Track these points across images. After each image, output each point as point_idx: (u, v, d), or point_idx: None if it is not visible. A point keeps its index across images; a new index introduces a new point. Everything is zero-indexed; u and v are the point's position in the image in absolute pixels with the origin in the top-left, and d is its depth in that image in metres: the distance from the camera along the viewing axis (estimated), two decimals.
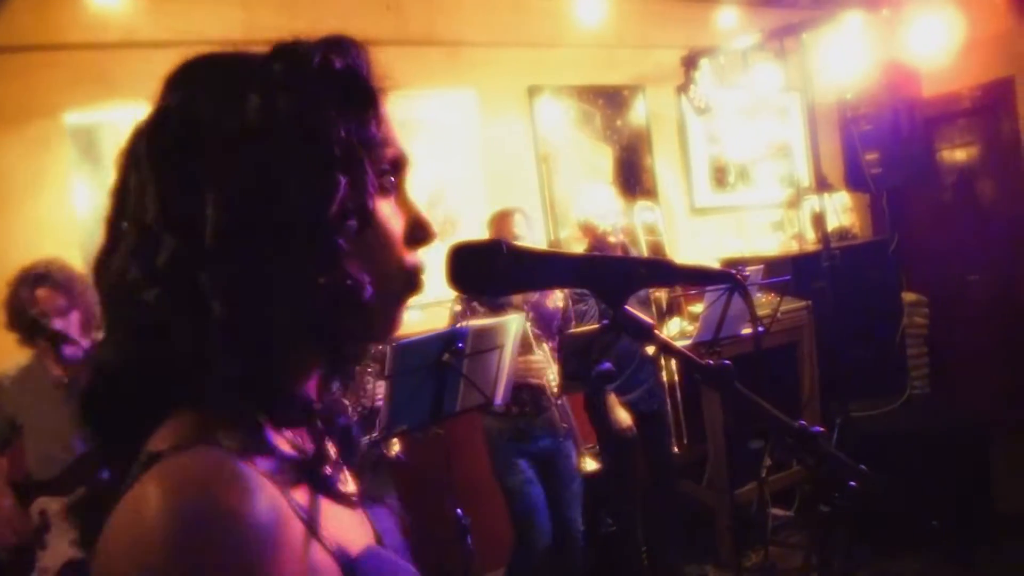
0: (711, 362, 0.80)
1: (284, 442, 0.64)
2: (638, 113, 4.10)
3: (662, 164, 4.20)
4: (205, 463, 0.53)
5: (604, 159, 4.01)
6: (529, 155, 3.89)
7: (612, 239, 3.33)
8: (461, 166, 3.75)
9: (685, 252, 3.96)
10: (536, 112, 3.88)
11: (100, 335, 0.77)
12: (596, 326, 3.06)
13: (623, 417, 3.28)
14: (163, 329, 0.58)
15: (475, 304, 3.06)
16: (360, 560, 0.63)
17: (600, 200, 3.39)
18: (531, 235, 3.12)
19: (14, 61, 3.10)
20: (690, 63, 3.73)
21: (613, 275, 0.78)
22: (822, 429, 0.80)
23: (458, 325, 2.73)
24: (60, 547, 2.29)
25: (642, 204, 3.87)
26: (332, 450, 0.70)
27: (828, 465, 0.80)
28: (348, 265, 0.61)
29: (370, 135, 0.64)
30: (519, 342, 2.81)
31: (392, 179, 0.68)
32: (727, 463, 3.42)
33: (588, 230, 3.40)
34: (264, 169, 0.59)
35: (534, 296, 3.09)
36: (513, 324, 2.74)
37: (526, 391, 2.99)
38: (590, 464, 2.97)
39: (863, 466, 0.80)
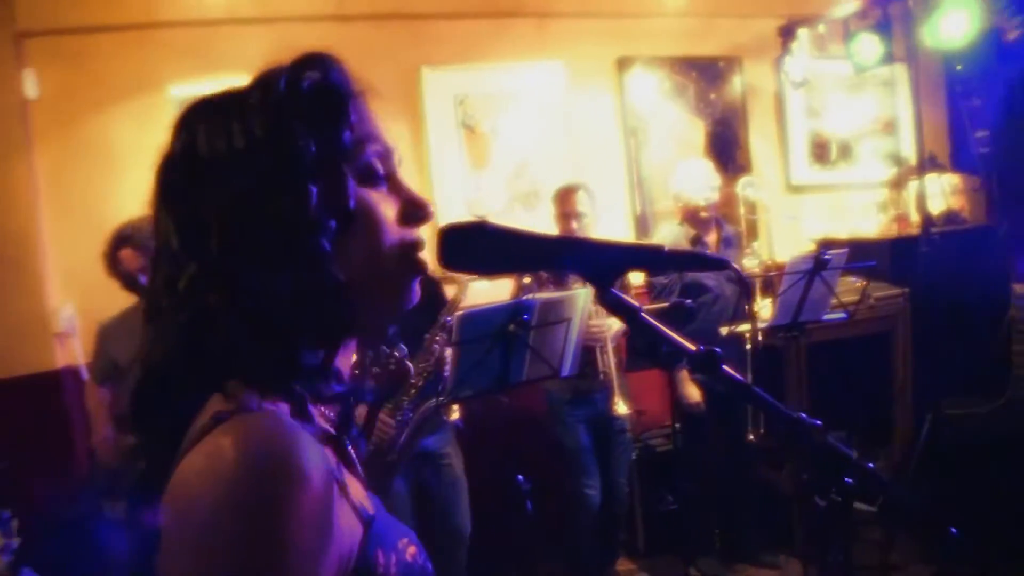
0: (702, 348, 0.86)
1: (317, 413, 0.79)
2: (733, 86, 4.34)
3: (758, 139, 4.42)
4: (270, 421, 0.68)
5: (696, 133, 4.26)
6: (616, 128, 4.19)
7: (704, 214, 3.61)
8: (546, 139, 4.11)
9: (779, 231, 4.15)
10: (625, 84, 4.17)
11: None
12: (666, 303, 3.35)
13: (692, 393, 3.58)
14: (196, 341, 0.73)
15: (544, 275, 3.42)
16: (377, 517, 0.78)
17: (695, 175, 3.68)
18: (594, 212, 3.43)
19: (125, 39, 3.68)
20: (787, 33, 3.91)
21: (599, 259, 0.86)
22: (820, 422, 0.84)
23: (525, 297, 3.10)
24: None
25: (746, 180, 4.07)
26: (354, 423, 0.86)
27: (825, 459, 0.85)
28: (332, 264, 0.75)
29: (343, 140, 0.78)
30: (587, 315, 3.14)
31: (380, 170, 0.82)
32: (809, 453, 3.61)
33: (681, 204, 3.69)
34: (247, 189, 0.74)
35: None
36: (581, 297, 3.07)
37: (585, 354, 3.33)
38: (621, 407, 3.30)
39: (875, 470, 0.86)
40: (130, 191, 3.68)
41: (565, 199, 3.45)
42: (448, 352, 3.02)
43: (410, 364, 2.85)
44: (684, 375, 3.61)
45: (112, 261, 2.98)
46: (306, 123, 0.76)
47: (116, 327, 3.03)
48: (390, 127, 3.11)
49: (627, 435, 3.59)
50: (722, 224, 3.72)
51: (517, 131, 4.10)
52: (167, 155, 0.79)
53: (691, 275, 3.61)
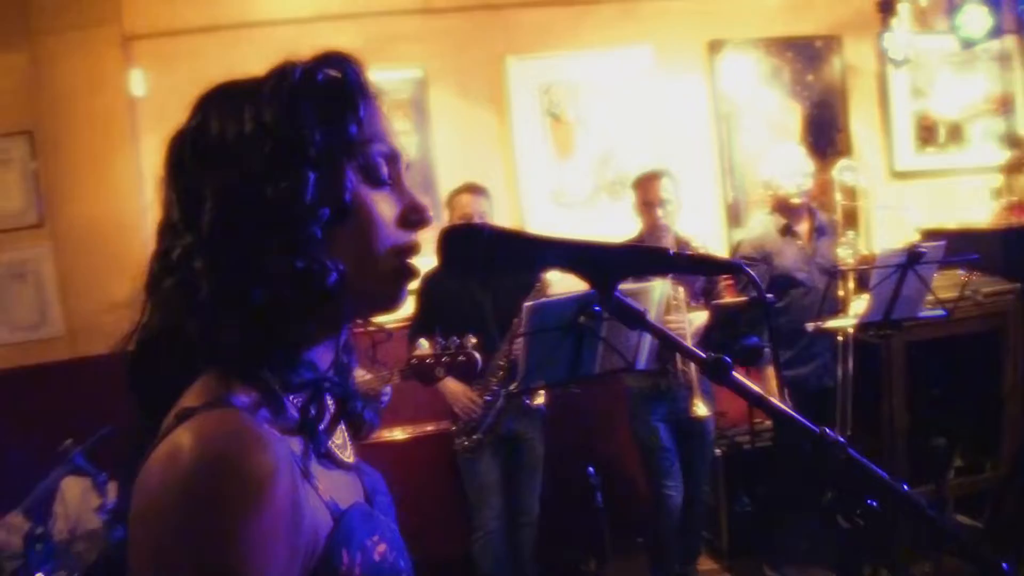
0: (710, 354, 0.86)
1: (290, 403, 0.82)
2: (832, 66, 4.19)
3: (859, 122, 4.25)
4: (228, 420, 0.71)
5: (791, 117, 4.15)
6: (707, 114, 4.13)
7: (795, 201, 3.52)
8: (633, 126, 4.10)
9: (881, 220, 3.99)
10: (716, 68, 4.11)
11: None
12: (744, 298, 3.29)
13: (777, 392, 3.49)
14: (185, 309, 0.78)
15: None
16: (349, 512, 0.79)
17: (787, 160, 3.60)
18: (678, 199, 3.38)
19: (222, 39, 3.92)
20: (886, 8, 3.74)
21: (601, 262, 0.87)
22: (844, 439, 0.83)
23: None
24: None
25: (844, 164, 3.93)
26: (330, 415, 0.87)
27: (850, 478, 0.97)
28: (322, 251, 0.79)
29: (349, 134, 0.81)
30: (663, 307, 3.13)
31: (384, 171, 0.85)
32: (906, 459, 3.48)
33: (772, 191, 3.62)
34: (248, 171, 0.78)
35: None
36: (657, 289, 3.07)
37: (664, 351, 3.33)
38: (701, 409, 3.26)
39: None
40: None
41: (648, 186, 3.42)
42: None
43: (477, 354, 2.93)
44: (770, 372, 3.55)
45: None
46: (314, 113, 0.81)
47: None
48: (476, 117, 3.26)
49: (709, 438, 3.53)
50: (815, 213, 3.61)
51: (603, 119, 4.11)
52: (179, 132, 0.84)
53: (781, 267, 3.54)
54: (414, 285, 3.04)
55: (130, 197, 3.87)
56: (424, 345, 3.01)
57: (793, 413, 0.86)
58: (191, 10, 3.87)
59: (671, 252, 0.88)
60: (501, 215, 3.94)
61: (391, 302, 0.89)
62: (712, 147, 4.15)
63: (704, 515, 3.63)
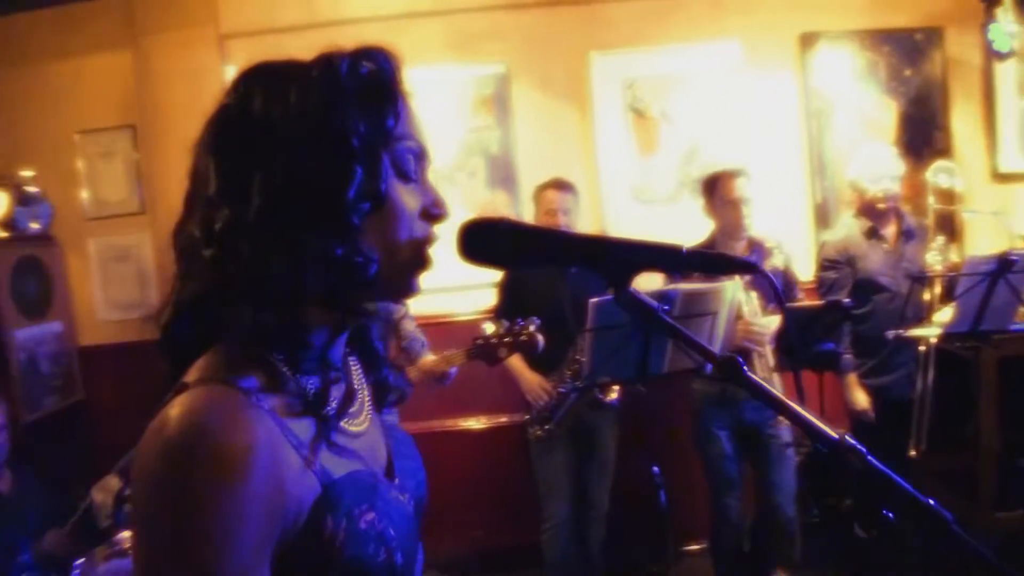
0: (724, 354, 0.89)
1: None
2: (932, 60, 4.02)
3: (959, 120, 4.08)
4: (211, 399, 0.77)
5: (887, 115, 4.03)
6: (797, 111, 4.05)
7: (881, 206, 3.43)
8: (719, 123, 4.06)
9: (980, 225, 3.82)
10: (808, 63, 4.03)
11: None
12: (820, 302, 3.23)
13: (859, 399, 3.43)
14: (216, 280, 0.83)
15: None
16: (340, 481, 0.83)
17: (873, 161, 3.51)
18: (754, 198, 3.33)
19: (315, 37, 4.04)
20: None
21: (614, 257, 0.89)
22: (863, 448, 0.83)
23: (668, 287, 3.14)
24: None
25: (939, 166, 3.80)
26: (344, 393, 0.93)
27: (867, 488, 0.90)
28: (360, 241, 0.84)
29: (388, 129, 0.86)
30: (735, 308, 3.11)
31: (412, 166, 0.90)
32: (994, 482, 3.33)
33: (857, 193, 3.53)
34: (297, 156, 0.82)
35: (751, 257, 3.36)
36: (729, 290, 3.06)
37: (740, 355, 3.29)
38: (784, 420, 3.19)
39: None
40: None
41: (723, 184, 3.35)
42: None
43: (539, 335, 3.00)
44: (852, 379, 3.47)
45: None
46: (359, 106, 0.85)
47: None
48: (558, 112, 3.34)
49: (790, 451, 3.41)
50: (903, 216, 3.50)
51: (688, 115, 4.09)
52: (221, 107, 0.87)
53: (865, 271, 3.45)
54: (496, 276, 3.16)
55: None
56: (489, 328, 3.11)
57: (810, 417, 0.86)
58: (283, 9, 4.07)
59: (684, 250, 0.89)
60: (580, 211, 3.99)
61: (407, 291, 0.94)
62: (802, 145, 4.07)
63: (788, 532, 3.40)
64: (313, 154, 0.83)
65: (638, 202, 4.16)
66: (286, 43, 3.72)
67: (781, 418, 3.13)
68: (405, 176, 0.89)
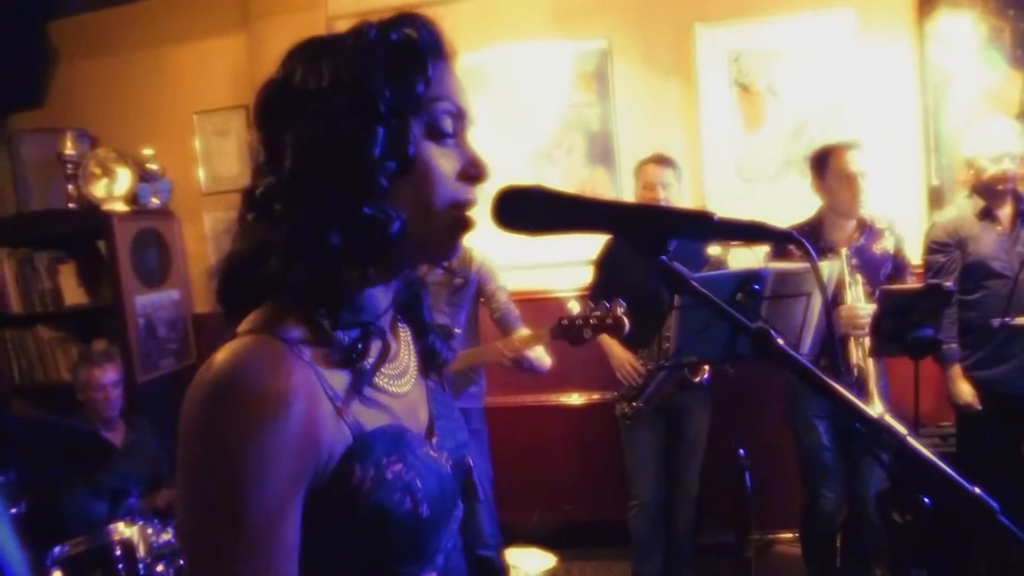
0: (756, 324, 0.90)
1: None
2: None
3: None
4: (254, 346, 0.85)
5: (1013, 88, 3.82)
6: (913, 84, 3.92)
7: (1000, 187, 3.30)
8: (829, 97, 3.98)
9: None
10: (926, 31, 3.88)
11: None
12: (919, 285, 3.14)
13: (963, 391, 3.33)
14: (259, 241, 0.91)
15: (790, 248, 3.38)
16: (371, 433, 0.90)
17: (995, 138, 3.37)
18: (868, 172, 3.25)
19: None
20: None
21: (647, 225, 0.91)
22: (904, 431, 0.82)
23: (760, 266, 3.13)
24: None
25: None
26: (381, 350, 0.97)
27: (907, 471, 0.84)
28: (386, 201, 0.90)
29: (417, 94, 0.91)
30: (830, 290, 3.07)
31: (448, 128, 0.95)
32: None
33: (974, 172, 3.41)
34: (325, 122, 0.89)
35: (859, 239, 3.29)
36: (826, 270, 3.03)
37: (840, 343, 3.25)
38: (875, 408, 3.13)
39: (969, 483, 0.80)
40: None
41: (835, 158, 3.27)
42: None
43: (625, 318, 3.05)
44: (956, 370, 3.38)
45: None
46: (385, 71, 0.90)
47: None
48: (660, 88, 3.39)
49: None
50: (1021, 198, 3.34)
51: (796, 89, 4.03)
52: (268, 81, 0.95)
53: (976, 254, 3.33)
54: (593, 254, 3.23)
55: None
56: (575, 307, 3.19)
57: (848, 395, 0.86)
58: None
59: (716, 218, 0.90)
60: (682, 188, 3.99)
61: (446, 252, 0.99)
62: (917, 121, 3.93)
63: (874, 532, 3.39)
64: (340, 119, 0.89)
65: (741, 179, 4.14)
66: None
67: (870, 408, 3.16)
68: (439, 136, 0.94)
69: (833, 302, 3.16)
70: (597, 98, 4.23)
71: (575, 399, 4.32)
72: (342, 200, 0.89)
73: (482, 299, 3.47)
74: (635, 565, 3.73)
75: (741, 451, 3.21)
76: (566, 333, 3.15)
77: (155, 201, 4.29)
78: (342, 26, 3.53)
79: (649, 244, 0.90)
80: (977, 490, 0.80)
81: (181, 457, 0.83)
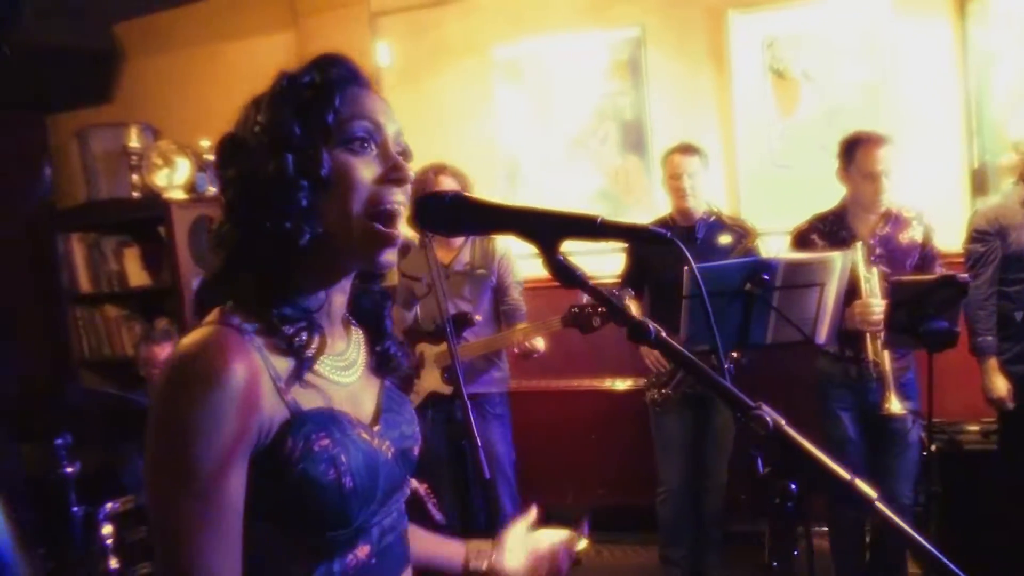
0: (642, 318, 0.93)
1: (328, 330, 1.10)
2: None
3: None
4: (208, 333, 0.99)
5: None
6: (954, 65, 3.67)
7: None
8: (866, 82, 3.78)
9: None
10: (968, 9, 3.62)
11: None
12: (933, 276, 2.95)
13: (997, 385, 3.14)
14: (221, 259, 1.08)
15: (813, 237, 3.22)
16: (306, 412, 1.02)
17: None
18: (896, 169, 3.08)
19: (457, 10, 4.27)
20: None
21: (540, 227, 0.98)
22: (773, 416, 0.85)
23: (770, 256, 2.99)
24: (428, 381, 3.42)
25: None
26: (317, 343, 1.07)
27: (782, 455, 0.88)
28: (310, 216, 1.02)
29: (326, 122, 1.03)
30: (845, 280, 2.91)
31: (363, 140, 1.05)
32: None
33: (1020, 157, 3.20)
34: (250, 158, 1.04)
35: (884, 228, 3.12)
36: (838, 261, 2.88)
37: (856, 340, 3.09)
38: (895, 405, 2.95)
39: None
40: (461, 138, 4.29)
41: (864, 152, 3.07)
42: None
43: (632, 305, 2.98)
44: (992, 364, 3.16)
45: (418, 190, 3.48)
46: (295, 110, 1.04)
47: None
48: (693, 76, 3.31)
49: (909, 438, 3.14)
50: None
51: (832, 73, 3.83)
52: (222, 134, 1.11)
53: (1017, 244, 3.11)
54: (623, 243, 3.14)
55: None
56: (585, 295, 3.13)
57: (728, 385, 0.90)
58: None
59: (599, 220, 0.94)
60: (716, 177, 3.87)
61: (371, 262, 1.09)
62: (958, 104, 3.67)
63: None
64: (261, 154, 1.03)
65: (776, 167, 3.96)
66: (433, 17, 3.95)
67: (906, 402, 2.99)
68: (358, 149, 1.05)
69: (849, 295, 3.00)
70: (630, 87, 4.12)
71: (609, 384, 4.24)
72: (269, 219, 1.02)
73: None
74: (663, 550, 3.67)
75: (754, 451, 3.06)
76: (575, 320, 3.10)
77: (212, 190, 4.40)
78: (385, 21, 3.60)
79: (546, 244, 0.95)
80: (855, 480, 0.84)
81: (148, 425, 0.96)
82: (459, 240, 3.47)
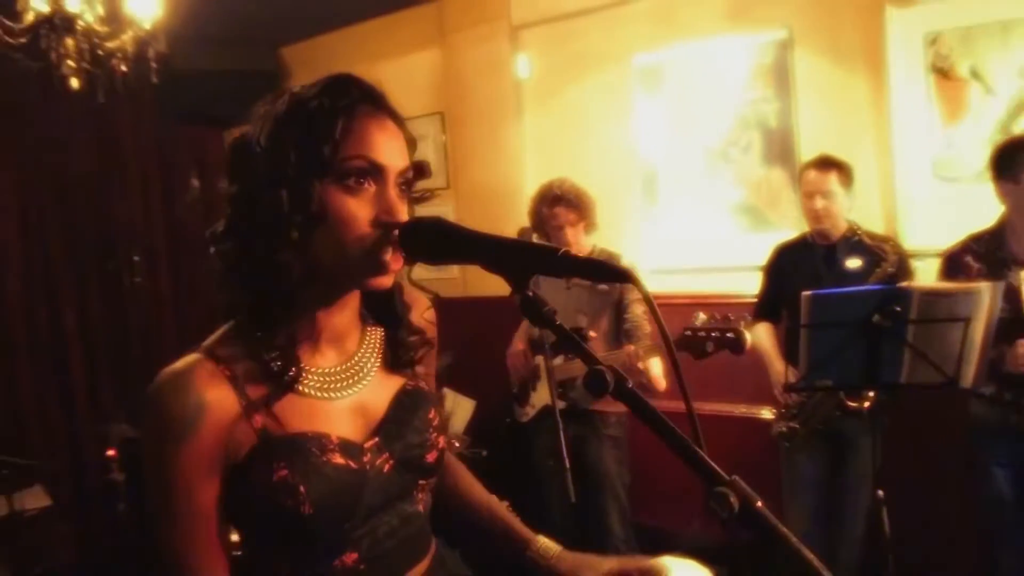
0: (599, 366, 0.86)
1: (319, 349, 1.10)
2: None
3: None
4: (183, 365, 1.01)
5: None
6: None
7: None
8: None
9: None
10: None
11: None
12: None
13: None
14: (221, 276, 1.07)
15: (967, 259, 2.76)
16: (274, 438, 1.02)
17: None
18: None
19: (597, 19, 4.09)
20: None
21: (511, 261, 0.92)
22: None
23: (903, 284, 2.59)
24: (543, 394, 3.29)
25: None
26: (294, 369, 1.06)
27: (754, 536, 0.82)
28: (302, 247, 1.00)
29: (323, 156, 0.98)
30: (996, 314, 2.47)
31: (358, 180, 1.01)
32: None
33: None
34: (249, 181, 1.02)
35: None
36: (986, 293, 2.45)
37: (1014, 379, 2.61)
38: None
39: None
40: (598, 148, 4.11)
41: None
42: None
43: (746, 333, 2.68)
44: None
45: (537, 219, 3.34)
46: (295, 138, 1.00)
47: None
48: (845, 79, 3.13)
49: None
50: None
51: (1007, 71, 3.26)
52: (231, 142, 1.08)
53: None
54: (762, 260, 2.90)
55: (516, 165, 4.32)
56: (700, 318, 2.85)
57: (700, 452, 0.85)
58: None
59: (559, 253, 0.89)
60: (870, 191, 3.44)
61: (363, 288, 1.08)
62: None
63: None
64: (258, 180, 1.01)
65: (940, 179, 3.43)
66: (572, 29, 3.82)
67: None
68: (352, 188, 1.01)
69: (1008, 332, 2.54)
70: (775, 93, 3.73)
71: (743, 411, 3.86)
72: (262, 248, 1.00)
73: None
74: None
75: (879, 492, 2.65)
76: (688, 345, 2.81)
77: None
78: (526, 34, 3.55)
79: (514, 278, 0.90)
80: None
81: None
82: (583, 253, 3.23)
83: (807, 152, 3.51)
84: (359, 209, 1.01)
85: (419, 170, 1.14)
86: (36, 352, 4.39)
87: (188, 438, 0.98)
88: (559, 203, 3.23)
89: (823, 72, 3.62)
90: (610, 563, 1.27)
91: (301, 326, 1.07)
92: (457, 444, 3.68)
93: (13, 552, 2.80)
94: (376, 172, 1.02)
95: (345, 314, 1.12)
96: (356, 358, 1.14)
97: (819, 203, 2.99)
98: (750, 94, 3.79)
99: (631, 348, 3.03)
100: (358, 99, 1.04)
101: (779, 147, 3.75)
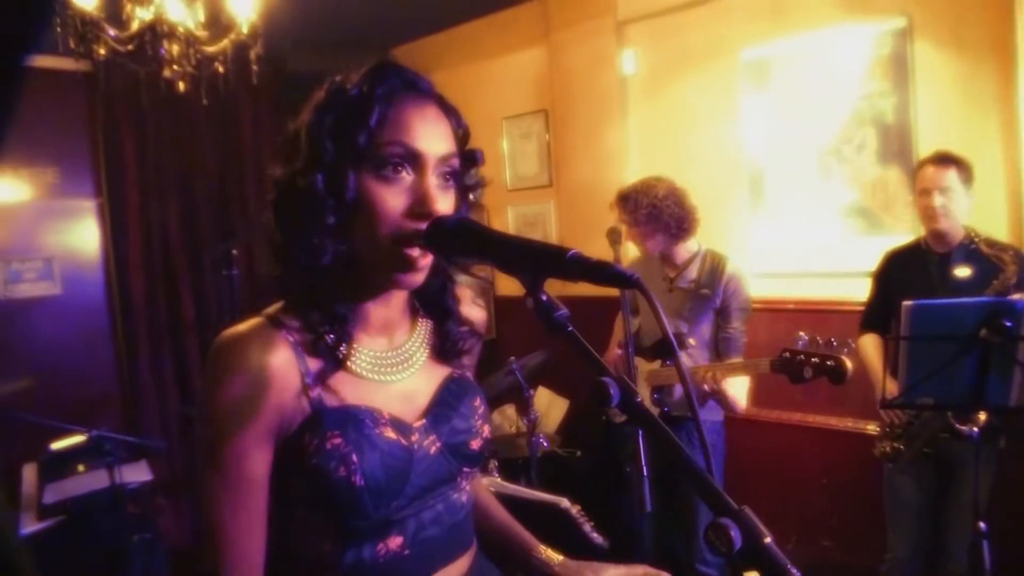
0: (610, 376, 0.82)
1: (368, 333, 1.10)
2: None
3: None
4: (249, 325, 1.02)
5: None
6: None
7: None
8: None
9: None
10: None
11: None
12: None
13: None
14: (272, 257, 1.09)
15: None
16: (327, 409, 1.01)
17: None
18: None
19: (704, 13, 3.90)
20: None
21: (526, 263, 0.88)
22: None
23: (1015, 296, 2.31)
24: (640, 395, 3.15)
25: None
26: (346, 345, 1.06)
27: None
28: (337, 232, 1.00)
29: (359, 144, 0.98)
30: None
31: (394, 169, 0.99)
32: None
33: None
34: (291, 166, 1.02)
35: None
36: None
37: None
38: None
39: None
40: (703, 147, 3.94)
41: None
42: None
43: (848, 362, 2.44)
44: None
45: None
46: (333, 124, 1.00)
47: (636, 270, 3.36)
48: (971, 71, 3.35)
49: None
50: None
51: None
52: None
53: None
54: (872, 267, 2.70)
55: (619, 162, 4.19)
56: (801, 338, 2.64)
57: (710, 479, 0.76)
58: None
59: (568, 255, 0.84)
60: (995, 195, 3.11)
61: (397, 283, 1.04)
62: None
63: None
64: (299, 164, 1.01)
65: None
66: (677, 23, 3.69)
67: None
68: (387, 177, 0.99)
69: None
70: (893, 86, 3.41)
71: (850, 424, 3.56)
72: (299, 230, 1.00)
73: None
74: None
75: (982, 525, 2.38)
76: (785, 367, 2.58)
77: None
78: (632, 29, 3.63)
79: (528, 281, 0.86)
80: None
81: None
82: (687, 254, 3.08)
83: (926, 151, 3.18)
84: (393, 198, 0.99)
85: (469, 158, 1.11)
86: (156, 341, 4.67)
87: (247, 399, 0.97)
88: (619, 203, 3.12)
89: (945, 64, 3.28)
90: (617, 571, 1.24)
91: (353, 310, 1.07)
92: (547, 444, 3.59)
93: (115, 521, 2.98)
94: (413, 159, 0.99)
95: (392, 307, 1.11)
96: (406, 347, 1.14)
97: (936, 200, 2.71)
98: (865, 88, 3.49)
99: (703, 372, 2.85)
100: (398, 86, 1.01)
101: (896, 145, 3.44)
